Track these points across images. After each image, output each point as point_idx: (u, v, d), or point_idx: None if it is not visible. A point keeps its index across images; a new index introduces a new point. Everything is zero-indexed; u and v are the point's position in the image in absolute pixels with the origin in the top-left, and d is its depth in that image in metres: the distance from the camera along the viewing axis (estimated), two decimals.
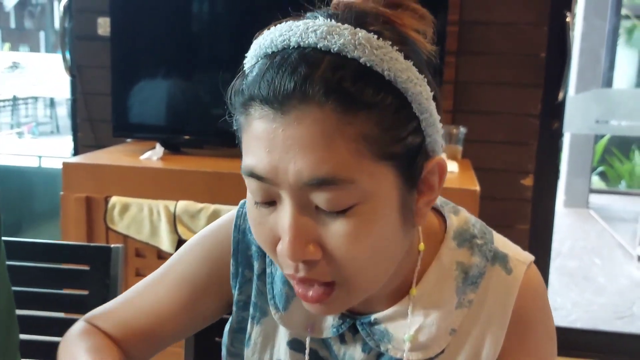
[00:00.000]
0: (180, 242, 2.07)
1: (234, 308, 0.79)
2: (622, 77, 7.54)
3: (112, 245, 1.18)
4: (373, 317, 0.69)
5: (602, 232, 5.54)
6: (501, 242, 0.72)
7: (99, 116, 2.73)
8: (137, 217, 2.10)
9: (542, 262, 2.73)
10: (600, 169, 7.08)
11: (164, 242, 2.08)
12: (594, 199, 6.45)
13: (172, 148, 2.37)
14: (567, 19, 2.42)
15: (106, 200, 2.12)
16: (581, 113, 2.60)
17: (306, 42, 0.56)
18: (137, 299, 0.81)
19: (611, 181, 7.17)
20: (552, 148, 2.58)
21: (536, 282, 0.70)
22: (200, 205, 2.05)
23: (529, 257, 0.72)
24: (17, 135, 8.64)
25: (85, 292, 1.18)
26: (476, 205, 1.89)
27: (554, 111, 2.52)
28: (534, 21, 2.41)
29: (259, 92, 0.56)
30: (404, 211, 0.60)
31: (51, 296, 1.22)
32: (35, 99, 9.99)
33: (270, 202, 0.59)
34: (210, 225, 0.82)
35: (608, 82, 5.87)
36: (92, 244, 1.24)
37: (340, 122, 0.54)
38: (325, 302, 0.61)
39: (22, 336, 1.17)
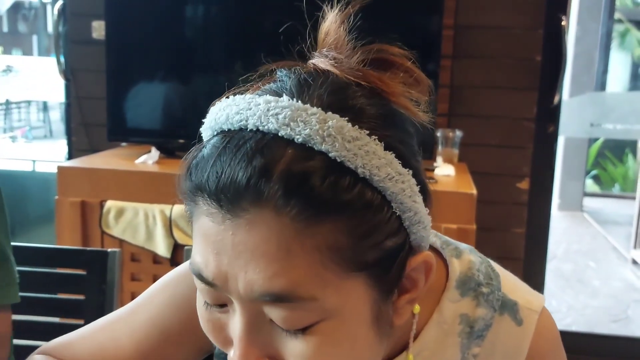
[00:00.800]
0: (176, 246, 2.06)
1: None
2: (615, 80, 7.60)
3: (109, 250, 1.17)
4: None
5: (596, 235, 5.57)
6: (510, 286, 0.65)
7: (94, 120, 2.72)
8: (132, 221, 2.09)
9: (538, 265, 2.74)
10: (594, 172, 7.12)
11: (160, 246, 2.08)
12: (588, 202, 6.49)
13: (168, 152, 2.36)
14: (563, 23, 2.42)
15: (101, 205, 2.11)
16: (576, 116, 2.60)
17: (266, 127, 0.46)
18: (99, 335, 0.73)
19: (605, 184, 7.20)
20: (547, 151, 2.59)
21: (550, 331, 0.64)
22: None
23: (540, 302, 0.65)
24: (10, 139, 8.61)
25: (82, 297, 1.17)
26: (473, 209, 1.90)
27: (550, 114, 2.53)
28: (529, 25, 2.42)
29: (207, 185, 0.47)
30: (378, 322, 0.51)
31: (47, 301, 1.22)
32: (29, 103, 9.94)
33: (222, 304, 0.51)
34: (181, 266, 0.73)
35: (602, 86, 5.90)
36: (89, 249, 1.24)
37: (301, 232, 0.45)
38: None
39: (18, 341, 1.17)
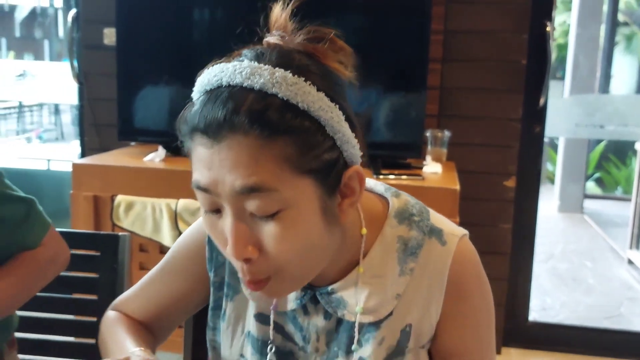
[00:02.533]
0: None
1: (211, 289, 0.90)
2: (622, 84, 7.53)
3: (120, 234, 1.30)
4: (330, 287, 0.80)
5: (594, 236, 5.62)
6: (437, 219, 0.83)
7: (105, 121, 2.85)
8: (141, 214, 2.22)
9: (526, 260, 2.85)
10: (597, 175, 7.15)
11: (166, 237, 2.21)
12: (589, 204, 6.51)
13: (173, 150, 2.48)
14: (547, 29, 2.55)
15: (112, 199, 2.25)
16: (575, 117, 2.71)
17: (234, 81, 0.67)
18: (151, 286, 0.95)
19: (608, 187, 7.22)
20: (533, 151, 2.71)
21: (468, 252, 0.80)
22: (199, 203, 2.18)
23: (462, 231, 0.82)
24: (26, 140, 8.81)
25: (96, 275, 1.30)
26: (456, 203, 2.02)
27: (535, 116, 2.65)
28: (515, 30, 2.53)
29: (198, 125, 0.67)
30: (326, 214, 0.70)
31: (66, 279, 1.34)
32: (41, 106, 10.12)
33: (216, 210, 0.70)
34: (194, 223, 0.95)
35: (604, 88, 5.91)
36: (102, 232, 1.37)
37: (263, 146, 0.65)
38: (264, 289, 0.72)
39: (37, 314, 1.31)
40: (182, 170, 2.27)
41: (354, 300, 0.79)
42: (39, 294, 1.31)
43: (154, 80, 2.57)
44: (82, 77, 2.88)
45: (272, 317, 0.85)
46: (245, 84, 0.67)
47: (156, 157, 2.39)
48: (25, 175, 3.62)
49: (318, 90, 0.68)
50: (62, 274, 1.35)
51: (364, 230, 0.80)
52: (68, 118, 9.87)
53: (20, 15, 12.95)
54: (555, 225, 5.93)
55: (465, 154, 2.61)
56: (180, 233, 2.19)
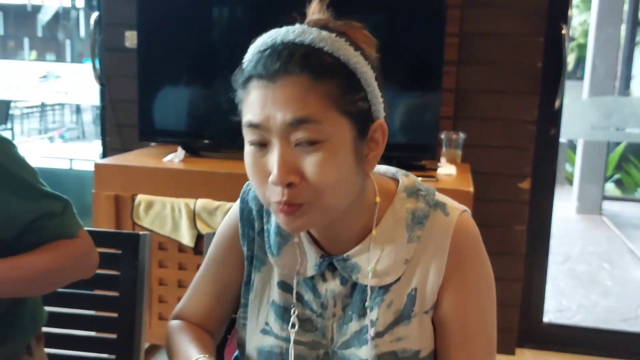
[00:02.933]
0: (199, 236, 2.24)
1: (245, 263, 0.99)
2: None
3: (141, 233, 1.35)
4: (345, 254, 0.90)
5: (613, 237, 5.58)
6: (442, 197, 0.93)
7: (126, 122, 2.90)
8: (160, 213, 2.28)
9: (540, 261, 2.85)
10: (616, 176, 7.09)
11: (185, 236, 2.26)
12: (608, 206, 6.46)
13: (192, 151, 2.54)
14: (563, 31, 2.56)
15: (133, 198, 2.31)
16: (592, 120, 2.70)
17: (287, 38, 0.80)
18: (200, 286, 1.04)
19: (627, 188, 7.15)
20: (549, 153, 2.71)
21: (469, 223, 0.90)
22: (217, 203, 2.23)
23: (464, 207, 0.91)
24: (48, 139, 8.97)
25: (117, 273, 1.34)
26: (470, 205, 2.04)
27: (551, 118, 2.65)
28: (530, 32, 2.54)
29: (256, 71, 0.80)
30: (356, 156, 0.82)
31: None
32: (62, 105, 10.28)
33: (263, 144, 0.80)
34: (226, 216, 1.04)
35: (624, 89, 5.83)
36: (124, 231, 1.41)
37: (311, 86, 0.77)
38: (296, 214, 0.81)
39: (62, 309, 1.36)
40: (200, 171, 2.31)
41: (367, 264, 0.88)
42: (63, 290, 1.36)
43: (173, 82, 2.62)
44: (104, 79, 2.94)
45: (295, 284, 0.93)
46: (297, 40, 0.80)
47: (175, 157, 2.43)
48: (48, 174, 3.69)
49: (355, 50, 0.81)
50: None
51: (378, 199, 0.90)
52: (89, 117, 10.01)
53: (42, 15, 13.14)
54: (574, 226, 5.90)
55: (480, 156, 2.62)
56: (198, 232, 2.24)
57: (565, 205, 6.32)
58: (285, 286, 0.95)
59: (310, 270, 0.92)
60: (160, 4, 2.56)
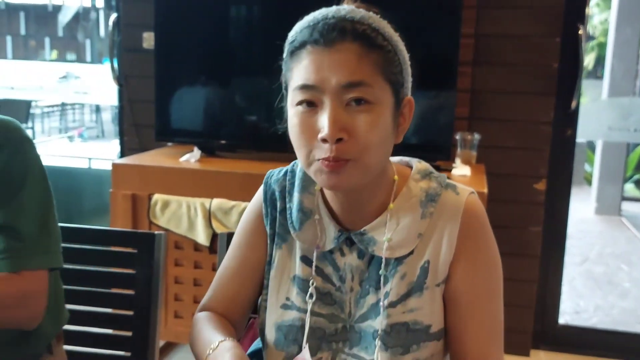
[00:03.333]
0: (214, 235, 2.26)
1: (268, 242, 1.04)
2: None
3: (156, 232, 1.36)
4: (363, 229, 0.96)
5: (632, 239, 5.52)
6: (452, 181, 1.00)
7: (143, 122, 2.94)
8: (176, 212, 2.30)
9: (556, 263, 2.83)
10: (636, 176, 7.00)
11: (200, 235, 2.28)
12: (628, 206, 6.38)
13: (208, 151, 2.57)
14: (580, 32, 2.54)
15: (149, 198, 2.34)
16: (609, 121, 2.68)
17: (338, 15, 0.88)
18: (223, 274, 1.08)
19: None
20: (565, 154, 2.69)
21: (477, 203, 0.96)
22: (232, 202, 2.25)
23: (472, 189, 0.98)
24: (68, 139, 9.09)
25: (133, 271, 1.36)
26: (484, 206, 2.03)
27: (567, 119, 2.64)
28: (547, 33, 2.53)
29: (311, 38, 0.87)
30: (393, 121, 0.91)
31: (105, 274, 1.43)
32: (82, 104, 10.41)
33: (312, 104, 0.87)
34: (248, 206, 1.09)
35: None
36: (139, 231, 1.43)
37: (364, 54, 0.86)
38: (339, 171, 0.87)
39: (81, 307, 1.38)
40: (216, 171, 2.34)
41: (382, 237, 0.94)
42: (81, 287, 1.39)
43: (190, 83, 2.65)
44: (122, 79, 2.98)
45: (314, 257, 0.99)
46: (347, 16, 0.88)
47: (192, 157, 2.46)
48: (68, 173, 3.75)
49: (395, 30, 0.92)
50: (102, 269, 1.43)
51: (396, 177, 0.98)
52: (108, 116, 10.12)
53: (63, 15, 13.30)
54: (592, 227, 5.84)
55: (496, 157, 2.62)
56: (213, 231, 2.26)
57: (584, 206, 6.26)
58: (306, 260, 1.00)
59: (329, 244, 0.98)
60: (177, 5, 2.59)
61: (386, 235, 0.94)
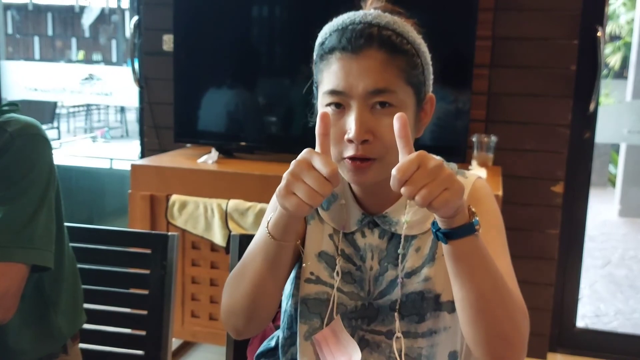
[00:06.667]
0: (230, 236, 2.28)
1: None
2: None
3: (170, 234, 1.40)
4: (385, 212, 1.03)
5: None
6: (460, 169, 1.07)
7: (163, 123, 2.98)
8: (193, 213, 2.33)
9: (574, 266, 2.80)
10: None
11: (217, 236, 2.31)
12: None
13: (226, 153, 2.59)
14: (598, 33, 2.51)
15: (167, 198, 2.37)
16: (628, 124, 2.65)
17: (365, 20, 0.94)
18: None
19: None
20: (583, 157, 2.67)
21: (484, 183, 1.04)
22: (249, 204, 2.27)
23: (480, 175, 1.07)
24: (91, 139, 9.24)
25: (147, 272, 1.39)
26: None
27: (585, 121, 2.61)
28: (564, 35, 2.50)
29: (340, 45, 0.94)
30: (415, 118, 0.98)
31: (120, 274, 1.46)
32: (107, 105, 10.56)
33: (340, 106, 0.94)
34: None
35: None
36: (153, 232, 1.46)
37: (389, 60, 0.92)
38: (365, 170, 0.94)
39: (97, 306, 1.42)
40: (233, 172, 2.36)
41: (402, 217, 1.01)
42: (97, 287, 1.42)
43: (209, 85, 2.68)
44: (143, 81, 3.02)
45: (340, 237, 1.04)
46: (374, 22, 0.94)
47: (209, 159, 2.49)
48: (90, 173, 3.81)
49: (418, 33, 0.98)
50: (117, 269, 1.46)
51: None
52: (132, 116, 10.26)
53: (89, 16, 13.49)
54: (615, 230, 5.76)
55: (512, 159, 2.60)
56: (229, 232, 2.29)
57: (607, 208, 6.18)
58: (333, 238, 1.06)
59: (353, 226, 1.04)
60: (196, 8, 2.62)
61: (406, 217, 1.00)
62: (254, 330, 1.10)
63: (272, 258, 0.95)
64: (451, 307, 0.98)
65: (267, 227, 0.95)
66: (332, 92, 0.93)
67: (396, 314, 1.00)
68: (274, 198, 1.08)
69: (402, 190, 0.79)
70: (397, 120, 0.83)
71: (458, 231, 0.84)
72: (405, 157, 0.81)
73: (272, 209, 1.08)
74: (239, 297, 1.00)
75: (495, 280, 0.87)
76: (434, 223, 0.86)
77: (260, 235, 0.99)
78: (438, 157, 1.03)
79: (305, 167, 0.84)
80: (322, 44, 0.97)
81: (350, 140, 0.92)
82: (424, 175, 0.78)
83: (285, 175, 0.86)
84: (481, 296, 0.86)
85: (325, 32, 0.98)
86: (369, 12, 0.96)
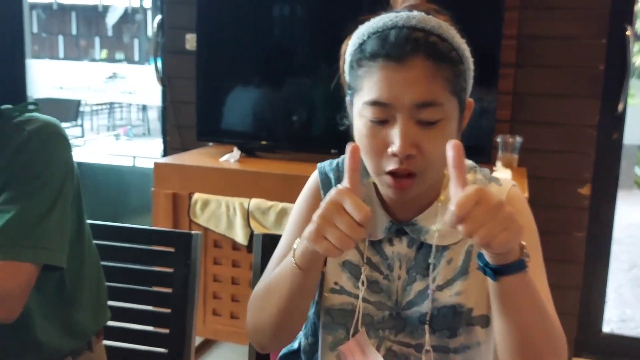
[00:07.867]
0: (252, 235, 2.29)
1: None
2: None
3: (193, 232, 1.39)
4: (414, 220, 0.99)
5: None
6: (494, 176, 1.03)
7: (185, 122, 2.99)
8: (215, 212, 2.34)
9: (601, 270, 2.75)
10: None
11: (239, 234, 2.31)
12: None
13: (248, 152, 2.60)
14: (627, 32, 2.46)
15: (190, 197, 2.38)
16: None
17: (409, 24, 0.88)
18: (278, 258, 1.04)
19: None
20: (610, 158, 2.62)
21: (519, 193, 1.00)
22: (270, 203, 2.27)
23: (514, 182, 1.01)
24: (114, 137, 9.34)
25: (171, 270, 1.39)
26: None
27: (613, 122, 2.56)
28: (592, 35, 2.46)
29: (383, 51, 0.87)
30: (458, 128, 0.93)
31: (144, 272, 1.46)
32: (130, 103, 10.66)
33: (384, 121, 0.88)
34: (302, 191, 1.09)
35: None
36: (177, 230, 1.46)
37: (436, 70, 0.86)
38: (406, 189, 0.90)
39: (121, 303, 1.42)
40: (255, 171, 2.36)
41: (434, 227, 0.96)
42: (120, 284, 1.42)
43: (231, 84, 2.68)
44: (166, 80, 3.03)
45: (365, 244, 1.01)
46: (418, 26, 0.87)
47: (231, 157, 2.49)
48: (112, 171, 3.84)
49: (462, 37, 0.92)
50: (141, 267, 1.47)
51: (446, 172, 0.95)
52: (155, 114, 10.34)
53: (113, 15, 13.63)
54: None
55: (538, 160, 2.56)
56: (251, 230, 2.29)
57: (634, 210, 6.07)
58: (357, 247, 1.01)
59: (380, 234, 1.00)
60: (218, 7, 2.62)
61: (436, 225, 0.95)
62: (280, 346, 1.08)
63: (298, 285, 0.92)
64: (484, 322, 0.96)
65: (294, 257, 0.90)
66: (375, 103, 0.87)
67: (426, 327, 0.96)
68: (298, 203, 1.07)
69: (460, 227, 0.74)
70: (451, 149, 0.77)
71: (509, 268, 0.79)
72: (458, 189, 0.76)
73: (295, 221, 1.05)
74: (265, 319, 0.97)
75: (541, 316, 0.85)
76: (480, 256, 0.82)
77: (286, 263, 0.94)
78: (472, 162, 1.01)
79: (337, 211, 0.80)
80: (361, 47, 0.90)
81: (394, 154, 0.87)
82: (484, 213, 0.73)
83: (315, 218, 0.81)
84: (525, 330, 0.84)
85: (363, 34, 0.91)
86: (412, 14, 0.89)
